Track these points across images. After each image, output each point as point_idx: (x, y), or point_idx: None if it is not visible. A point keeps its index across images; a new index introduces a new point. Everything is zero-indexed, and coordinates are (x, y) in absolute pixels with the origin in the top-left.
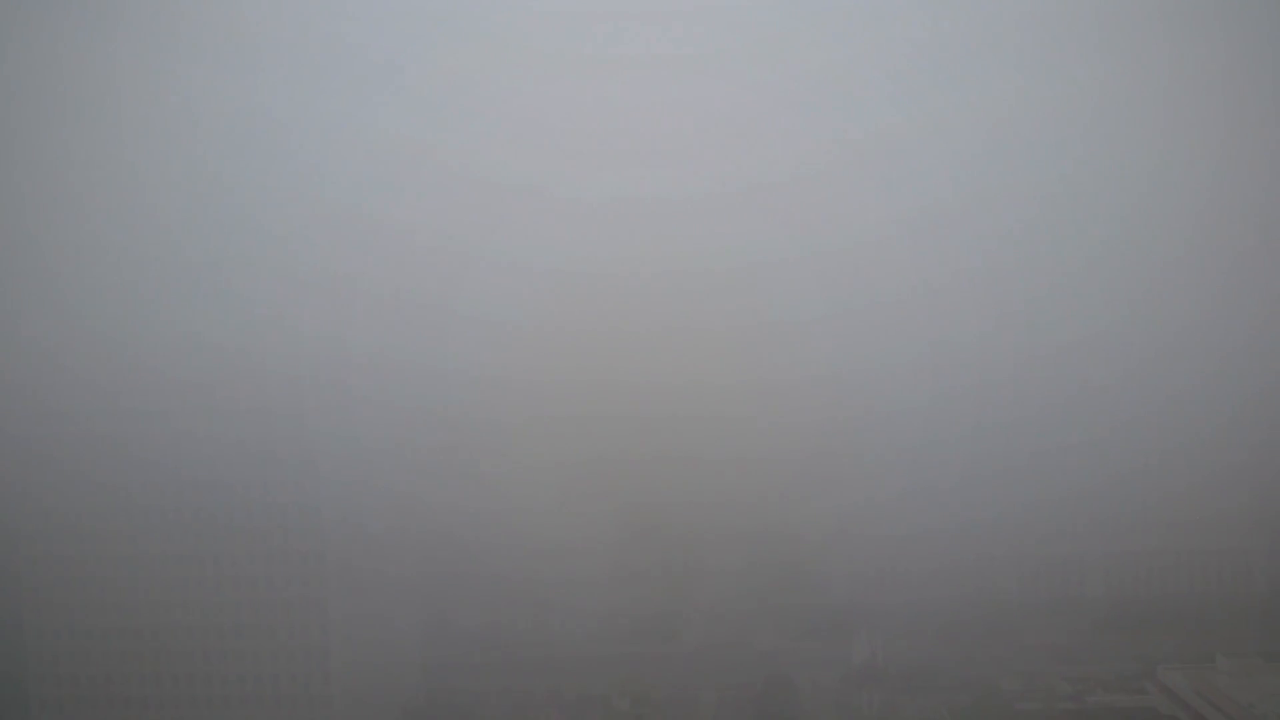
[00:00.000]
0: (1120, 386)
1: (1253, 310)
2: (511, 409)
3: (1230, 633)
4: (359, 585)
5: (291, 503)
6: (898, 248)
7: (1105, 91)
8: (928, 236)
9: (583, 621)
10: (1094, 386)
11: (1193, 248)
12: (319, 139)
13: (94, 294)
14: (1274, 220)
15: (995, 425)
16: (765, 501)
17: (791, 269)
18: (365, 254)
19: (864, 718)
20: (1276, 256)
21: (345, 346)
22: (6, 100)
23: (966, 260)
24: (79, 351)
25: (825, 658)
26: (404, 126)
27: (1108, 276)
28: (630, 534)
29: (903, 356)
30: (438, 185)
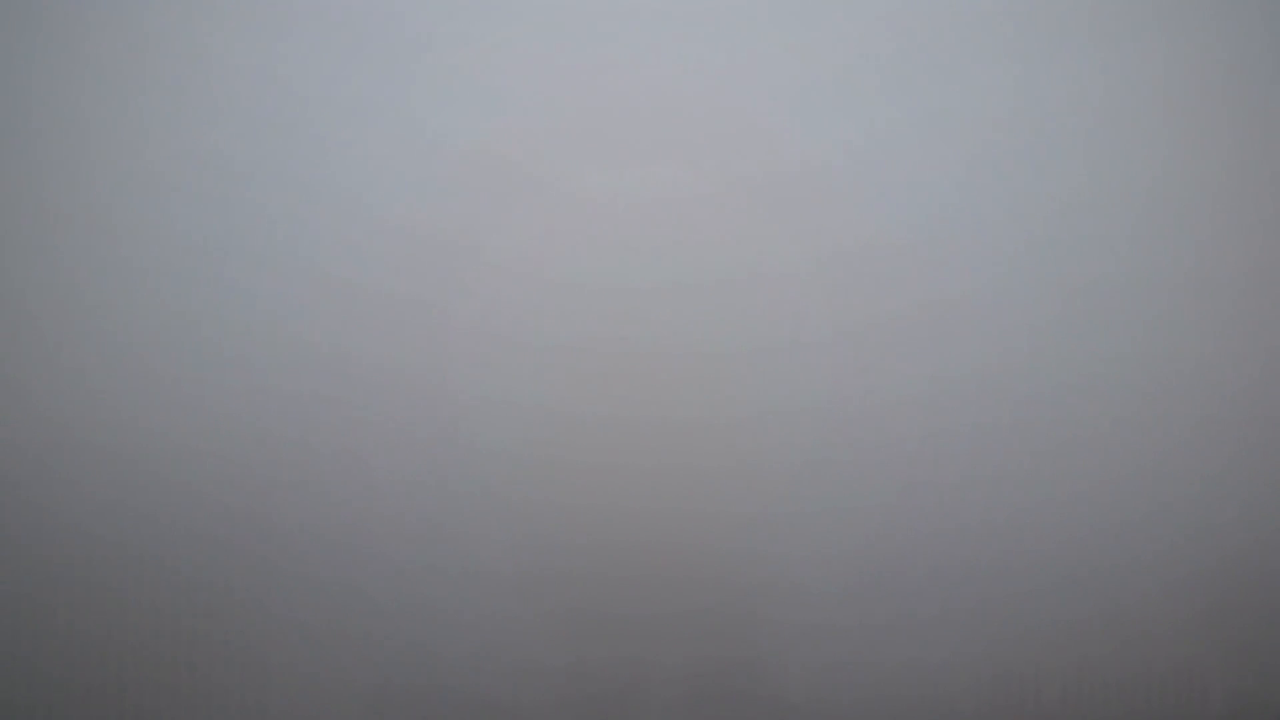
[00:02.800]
0: (1082, 498)
1: (1233, 433)
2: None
3: None
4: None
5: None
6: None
7: (1165, 174)
8: (897, 341)
9: (524, 715)
10: (1059, 496)
11: (1199, 378)
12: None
13: (98, 295)
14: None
15: (966, 523)
16: (724, 589)
17: (765, 286)
18: (376, 257)
19: None
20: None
21: (349, 358)
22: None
23: (959, 363)
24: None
25: None
26: (430, 117)
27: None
28: (581, 620)
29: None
30: (454, 184)
